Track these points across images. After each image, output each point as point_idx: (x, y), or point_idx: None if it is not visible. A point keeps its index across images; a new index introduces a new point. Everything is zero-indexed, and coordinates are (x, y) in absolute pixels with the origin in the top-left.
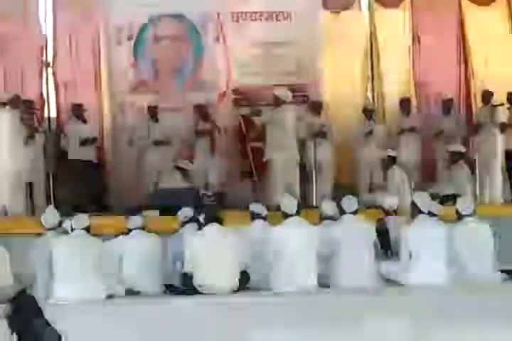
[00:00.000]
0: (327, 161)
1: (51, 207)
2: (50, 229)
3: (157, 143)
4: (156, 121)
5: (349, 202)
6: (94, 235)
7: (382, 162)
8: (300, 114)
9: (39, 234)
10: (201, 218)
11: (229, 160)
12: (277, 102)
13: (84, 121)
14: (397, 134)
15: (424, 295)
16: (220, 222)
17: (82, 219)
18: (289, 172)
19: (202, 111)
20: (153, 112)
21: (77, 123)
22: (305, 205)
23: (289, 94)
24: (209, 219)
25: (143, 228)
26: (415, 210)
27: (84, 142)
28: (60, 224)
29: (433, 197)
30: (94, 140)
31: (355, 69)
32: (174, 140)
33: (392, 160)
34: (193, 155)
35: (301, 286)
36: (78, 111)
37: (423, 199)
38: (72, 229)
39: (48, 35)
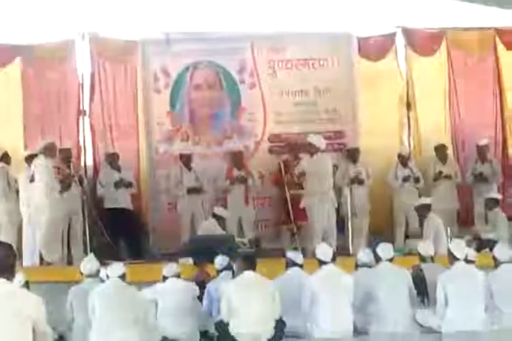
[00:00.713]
0: (363, 208)
1: (91, 254)
2: (88, 277)
3: (190, 190)
4: (189, 169)
5: (385, 249)
6: (130, 283)
7: (417, 209)
8: (337, 161)
9: (75, 282)
10: (235, 266)
11: (265, 207)
12: (311, 149)
13: (119, 170)
14: (433, 181)
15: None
16: (254, 269)
17: (118, 267)
18: (326, 219)
19: (236, 159)
20: (186, 160)
21: (111, 172)
22: (341, 253)
23: (323, 141)
24: (245, 267)
25: (178, 275)
26: (451, 257)
27: (118, 184)
28: (98, 272)
29: (474, 238)
30: (127, 183)
31: (391, 117)
32: (208, 187)
33: (428, 208)
34: (227, 203)
35: (337, 333)
36: (112, 160)
37: (459, 247)
38: (108, 277)
39: (85, 83)
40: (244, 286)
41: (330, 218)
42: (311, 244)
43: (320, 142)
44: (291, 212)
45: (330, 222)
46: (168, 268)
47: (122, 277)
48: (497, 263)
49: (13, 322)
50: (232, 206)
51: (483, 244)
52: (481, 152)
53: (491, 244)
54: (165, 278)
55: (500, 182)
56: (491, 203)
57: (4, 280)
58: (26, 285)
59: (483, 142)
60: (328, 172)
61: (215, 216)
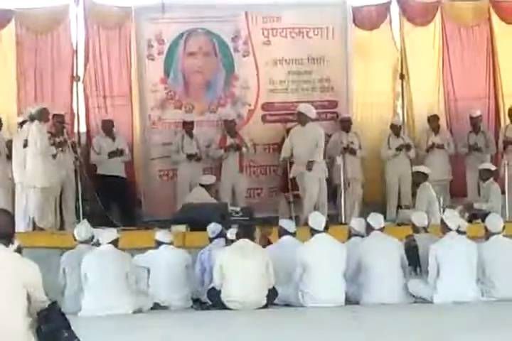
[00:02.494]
0: (356, 177)
1: (84, 220)
2: (81, 243)
3: (190, 156)
4: (191, 136)
5: (376, 219)
6: (123, 249)
7: (413, 176)
8: (330, 130)
9: (68, 248)
10: (228, 233)
11: (258, 176)
12: (301, 119)
13: (113, 137)
14: (426, 151)
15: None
16: (252, 238)
17: (110, 234)
18: (317, 188)
19: (229, 126)
20: (188, 128)
21: (105, 139)
22: (333, 222)
23: (314, 110)
24: (240, 235)
25: (171, 243)
26: (444, 227)
27: (111, 155)
28: (92, 237)
29: (467, 207)
30: (121, 152)
31: (384, 87)
32: (204, 154)
33: (424, 176)
34: (221, 170)
35: (328, 302)
36: (107, 127)
37: (452, 217)
38: (99, 243)
39: (78, 50)
40: (238, 254)
41: (321, 187)
42: (303, 213)
43: (311, 111)
44: (289, 180)
45: (321, 192)
46: (162, 233)
47: (115, 243)
48: (488, 234)
49: (8, 288)
50: (225, 174)
51: (475, 215)
52: (475, 123)
53: (483, 215)
54: (158, 243)
55: (494, 153)
56: (485, 174)
57: (2, 246)
58: (19, 250)
59: (476, 113)
60: (319, 141)
61: (202, 185)
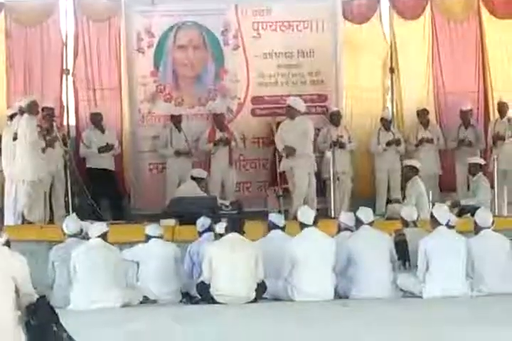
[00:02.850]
0: (346, 171)
1: (73, 214)
2: (70, 236)
3: (178, 153)
4: (179, 130)
5: (365, 213)
6: (112, 243)
7: (404, 170)
8: (320, 124)
9: (57, 242)
10: (217, 227)
11: (247, 170)
12: (290, 112)
13: (103, 130)
14: (415, 145)
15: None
16: (241, 232)
17: (99, 227)
18: (306, 182)
19: (218, 120)
20: (176, 121)
21: (95, 132)
22: (323, 216)
23: (303, 104)
24: (230, 229)
25: (161, 236)
26: (434, 222)
27: (101, 150)
28: (81, 231)
29: (454, 205)
30: (111, 147)
31: (374, 80)
32: (193, 149)
33: (414, 171)
34: (210, 164)
35: (317, 296)
36: (96, 120)
37: (442, 211)
38: (87, 237)
39: (68, 42)
40: (227, 248)
41: (310, 181)
42: (292, 207)
43: (300, 105)
44: (278, 174)
45: (310, 186)
46: (152, 228)
47: (104, 237)
48: (478, 229)
49: None
50: (215, 168)
51: (464, 210)
52: (465, 117)
53: (472, 209)
54: (148, 237)
55: (483, 147)
56: (474, 168)
57: None
58: (7, 244)
59: (466, 107)
60: (308, 135)
61: (193, 178)
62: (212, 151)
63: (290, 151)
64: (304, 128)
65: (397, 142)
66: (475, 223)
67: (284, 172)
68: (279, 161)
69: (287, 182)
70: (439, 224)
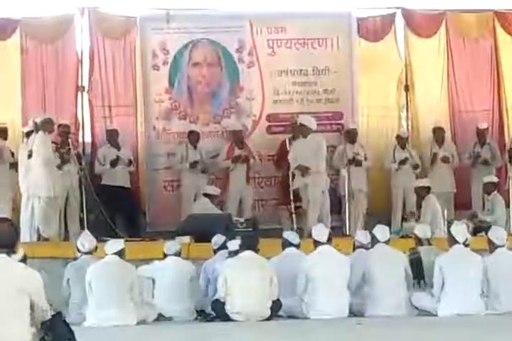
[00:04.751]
0: (361, 189)
1: (87, 231)
2: (85, 253)
3: (193, 164)
4: (195, 147)
5: (382, 231)
6: (128, 260)
7: (416, 191)
8: (335, 142)
9: (72, 258)
10: (231, 245)
11: (263, 187)
12: (303, 130)
13: (118, 147)
14: (430, 163)
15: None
16: (255, 249)
17: (115, 244)
18: (320, 200)
19: (237, 137)
20: (194, 139)
21: (110, 149)
22: (338, 234)
23: (314, 122)
24: (244, 247)
25: (178, 254)
26: (451, 240)
27: (113, 163)
28: (95, 248)
29: (471, 217)
30: (128, 162)
31: (390, 98)
32: (209, 165)
33: (427, 190)
34: (228, 182)
35: (332, 314)
36: (112, 137)
37: (460, 230)
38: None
39: (83, 59)
40: (243, 266)
41: (324, 199)
42: (306, 225)
43: (312, 123)
44: (291, 192)
45: (324, 203)
46: (170, 245)
47: (120, 253)
48: (493, 247)
49: (11, 297)
50: (233, 185)
51: (479, 228)
52: (481, 135)
53: (486, 227)
54: (165, 255)
55: (499, 165)
56: (489, 187)
57: (4, 255)
58: (24, 260)
59: (483, 125)
60: (321, 153)
61: (206, 195)
62: (230, 168)
63: (304, 170)
64: (316, 145)
65: (415, 167)
66: (490, 241)
67: (297, 189)
68: (293, 179)
69: (300, 199)
70: (457, 242)
